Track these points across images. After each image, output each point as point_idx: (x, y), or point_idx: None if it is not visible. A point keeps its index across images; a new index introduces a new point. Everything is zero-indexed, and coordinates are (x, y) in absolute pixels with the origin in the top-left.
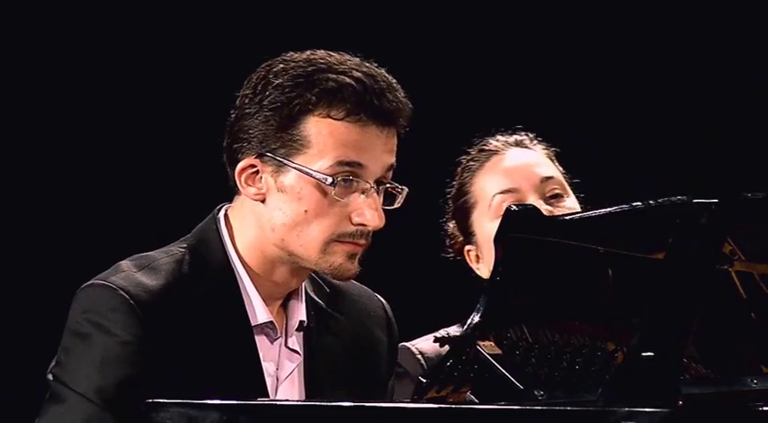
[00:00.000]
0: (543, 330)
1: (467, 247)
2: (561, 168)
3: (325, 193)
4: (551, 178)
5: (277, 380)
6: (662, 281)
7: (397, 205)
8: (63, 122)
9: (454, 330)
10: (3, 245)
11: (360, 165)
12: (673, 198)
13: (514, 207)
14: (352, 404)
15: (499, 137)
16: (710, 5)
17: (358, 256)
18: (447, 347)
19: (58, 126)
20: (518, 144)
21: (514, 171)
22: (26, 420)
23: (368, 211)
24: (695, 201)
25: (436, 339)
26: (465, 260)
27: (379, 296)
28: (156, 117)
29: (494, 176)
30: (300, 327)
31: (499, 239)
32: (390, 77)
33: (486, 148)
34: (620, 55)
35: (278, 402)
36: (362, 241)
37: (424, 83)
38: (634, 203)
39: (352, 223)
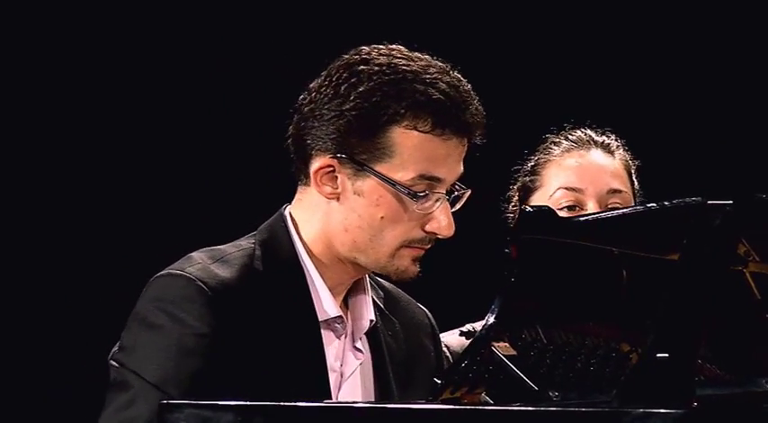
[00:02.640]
0: (558, 331)
1: None
2: (637, 183)
3: (402, 202)
4: (618, 192)
5: (341, 376)
6: (676, 282)
7: (458, 207)
8: (86, 120)
9: (480, 325)
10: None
11: (439, 178)
12: (687, 199)
13: (530, 208)
14: (366, 405)
15: (589, 131)
16: (726, 7)
17: (421, 258)
18: None
19: (87, 124)
20: (603, 147)
21: (587, 173)
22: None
23: (443, 221)
24: (709, 202)
25: (462, 333)
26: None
27: (421, 305)
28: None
29: (566, 170)
30: (370, 326)
31: (514, 240)
32: (467, 84)
33: (572, 138)
34: (634, 53)
35: (292, 404)
36: (428, 246)
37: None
38: (648, 204)
39: (425, 230)
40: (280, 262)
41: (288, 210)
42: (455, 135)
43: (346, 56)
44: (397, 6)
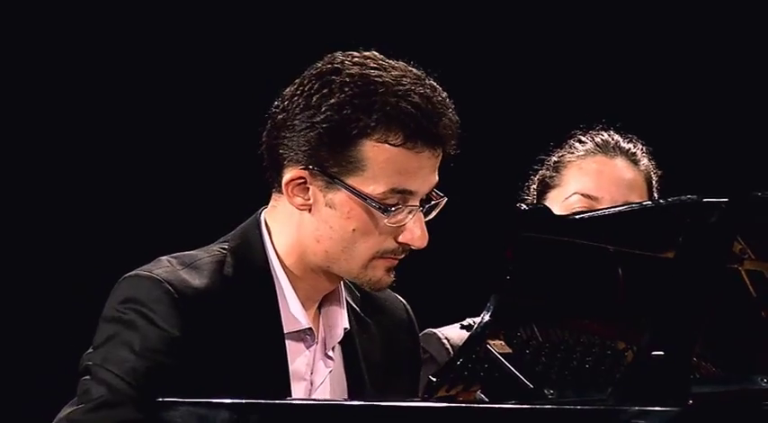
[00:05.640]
0: (553, 329)
1: None
2: (656, 193)
3: (373, 216)
4: None
5: (311, 385)
6: (672, 280)
7: (432, 216)
8: (76, 121)
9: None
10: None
11: (411, 191)
12: (682, 197)
13: (525, 206)
14: (361, 403)
15: (617, 136)
16: (718, 6)
17: (395, 268)
18: None
19: (73, 124)
20: (629, 155)
21: (606, 182)
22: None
23: (416, 232)
24: (705, 200)
25: (462, 326)
26: None
27: (399, 297)
28: (176, 117)
29: (586, 176)
30: (345, 335)
31: (510, 238)
32: (442, 93)
33: (598, 140)
34: (633, 53)
35: (287, 401)
36: (402, 256)
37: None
38: (644, 202)
39: (397, 241)
40: (250, 270)
41: (263, 215)
42: (427, 147)
43: (319, 64)
44: (401, 8)
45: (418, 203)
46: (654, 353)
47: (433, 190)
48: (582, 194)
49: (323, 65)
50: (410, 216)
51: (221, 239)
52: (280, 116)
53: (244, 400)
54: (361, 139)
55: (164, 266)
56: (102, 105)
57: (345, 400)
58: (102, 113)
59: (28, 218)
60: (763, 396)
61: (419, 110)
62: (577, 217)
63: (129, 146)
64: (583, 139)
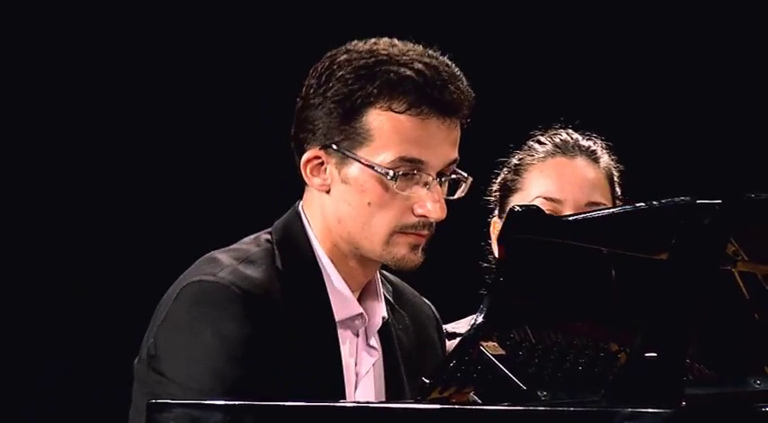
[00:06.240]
0: (546, 331)
1: (494, 220)
2: (618, 189)
3: (387, 186)
4: (597, 205)
5: (356, 375)
6: (665, 282)
7: (459, 195)
8: (76, 121)
9: None
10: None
11: (421, 161)
12: (676, 199)
13: (518, 208)
14: (354, 404)
15: (575, 135)
16: (715, 6)
17: (421, 247)
18: None
19: (73, 124)
20: (588, 153)
21: (568, 184)
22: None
23: (429, 203)
24: (698, 201)
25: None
26: (489, 229)
27: (426, 300)
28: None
29: (547, 179)
30: (382, 324)
31: (503, 240)
32: (454, 67)
33: (557, 141)
34: (622, 53)
35: (281, 403)
36: (425, 232)
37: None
38: (637, 204)
39: (415, 215)
40: (299, 261)
41: (300, 207)
42: (434, 115)
43: (333, 50)
44: (388, 7)
45: (434, 175)
46: (647, 354)
47: (453, 167)
48: (545, 198)
49: (336, 49)
50: (425, 188)
51: (262, 232)
52: (299, 104)
53: (237, 402)
54: (366, 109)
55: (224, 266)
56: (104, 106)
57: (338, 402)
58: (103, 114)
59: (28, 218)
60: (755, 398)
61: (422, 76)
62: (570, 218)
63: (130, 146)
64: (542, 140)
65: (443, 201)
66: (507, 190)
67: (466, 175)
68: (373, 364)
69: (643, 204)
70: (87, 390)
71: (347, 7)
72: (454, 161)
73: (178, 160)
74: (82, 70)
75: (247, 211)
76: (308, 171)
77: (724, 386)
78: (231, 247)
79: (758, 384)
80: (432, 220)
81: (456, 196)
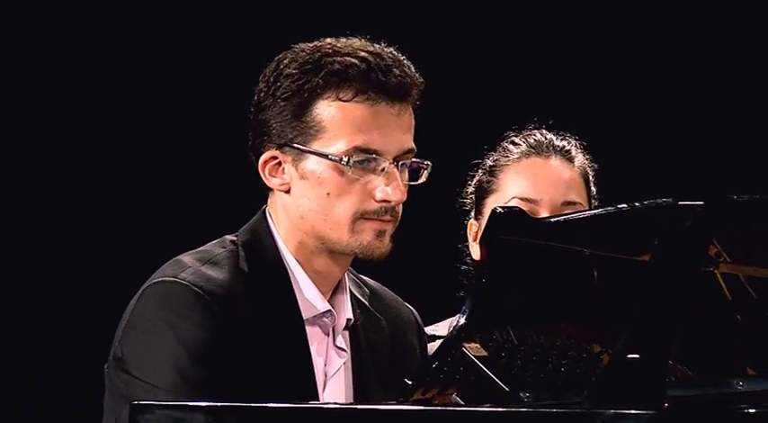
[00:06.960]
0: (529, 332)
1: (471, 222)
2: (594, 188)
3: (343, 174)
4: (573, 204)
5: (325, 375)
6: (647, 283)
7: (422, 180)
8: (75, 121)
9: None
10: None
11: (375, 147)
12: (658, 200)
13: (501, 209)
14: (338, 405)
15: (550, 135)
16: (706, 6)
17: (388, 234)
18: None
19: (72, 124)
20: (563, 153)
21: (543, 184)
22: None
23: (388, 188)
24: (680, 202)
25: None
26: (466, 231)
27: (408, 304)
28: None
29: (523, 180)
30: (347, 325)
31: (486, 241)
32: (398, 54)
33: (532, 141)
34: (595, 53)
35: (263, 405)
36: (388, 217)
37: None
38: (619, 205)
39: (375, 200)
40: (264, 262)
41: (267, 210)
42: (382, 100)
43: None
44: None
45: (390, 160)
46: (629, 356)
47: (411, 155)
48: (521, 198)
49: (283, 53)
50: (382, 173)
51: (228, 236)
52: (252, 110)
53: (220, 403)
54: (314, 101)
55: (186, 267)
56: (102, 106)
57: (321, 403)
58: (102, 114)
59: (28, 218)
60: (738, 399)
61: (366, 63)
62: (552, 220)
63: (130, 146)
64: (516, 140)
65: (402, 185)
66: (483, 191)
67: (426, 162)
68: (343, 365)
69: (625, 205)
70: (87, 390)
71: (341, 10)
72: (411, 150)
73: (178, 161)
74: (81, 71)
75: (247, 211)
76: (266, 173)
77: (707, 387)
78: (197, 249)
79: (741, 386)
80: (393, 205)
81: (419, 182)
